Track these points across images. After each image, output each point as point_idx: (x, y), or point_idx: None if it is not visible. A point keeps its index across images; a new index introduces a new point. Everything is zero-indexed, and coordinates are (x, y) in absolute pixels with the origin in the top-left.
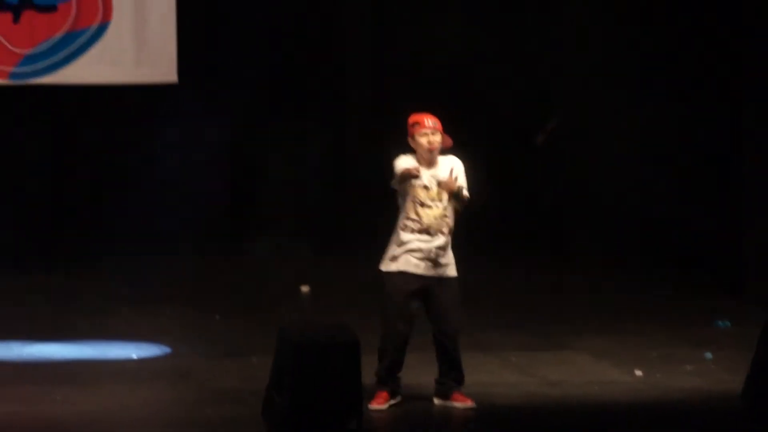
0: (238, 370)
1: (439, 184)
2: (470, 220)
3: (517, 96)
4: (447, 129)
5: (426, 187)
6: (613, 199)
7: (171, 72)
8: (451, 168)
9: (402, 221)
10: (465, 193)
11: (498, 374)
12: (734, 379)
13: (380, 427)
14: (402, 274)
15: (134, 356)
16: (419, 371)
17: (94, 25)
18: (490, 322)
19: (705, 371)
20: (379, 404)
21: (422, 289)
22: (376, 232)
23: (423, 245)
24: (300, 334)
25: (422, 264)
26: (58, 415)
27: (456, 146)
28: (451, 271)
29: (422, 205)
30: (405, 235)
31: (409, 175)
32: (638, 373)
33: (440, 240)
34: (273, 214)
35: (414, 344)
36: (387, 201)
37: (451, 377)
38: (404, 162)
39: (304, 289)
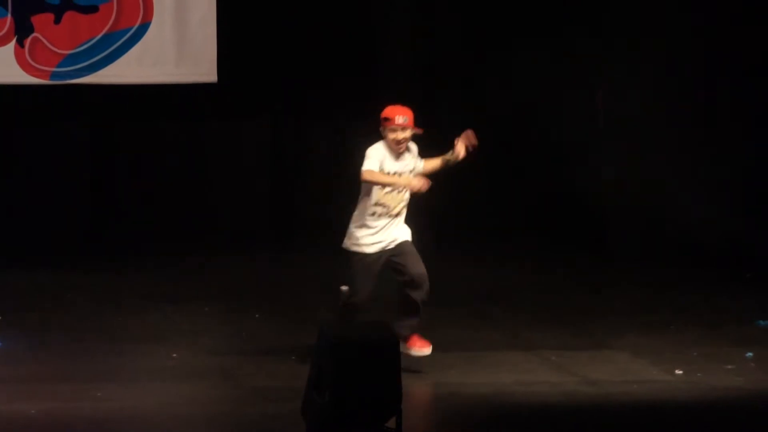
0: (278, 369)
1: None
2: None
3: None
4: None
5: (395, 174)
6: (654, 199)
7: (211, 72)
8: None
9: (369, 207)
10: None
11: (537, 373)
12: None
13: (420, 425)
14: (369, 255)
15: (174, 354)
16: (464, 370)
17: (135, 26)
18: (529, 320)
19: (746, 371)
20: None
21: (384, 258)
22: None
23: (387, 227)
24: (339, 333)
25: (384, 241)
26: (99, 412)
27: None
28: (406, 235)
29: (391, 191)
30: (372, 221)
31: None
32: (678, 372)
33: (401, 217)
34: (314, 214)
35: (459, 343)
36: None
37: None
38: (377, 157)
39: (344, 288)
